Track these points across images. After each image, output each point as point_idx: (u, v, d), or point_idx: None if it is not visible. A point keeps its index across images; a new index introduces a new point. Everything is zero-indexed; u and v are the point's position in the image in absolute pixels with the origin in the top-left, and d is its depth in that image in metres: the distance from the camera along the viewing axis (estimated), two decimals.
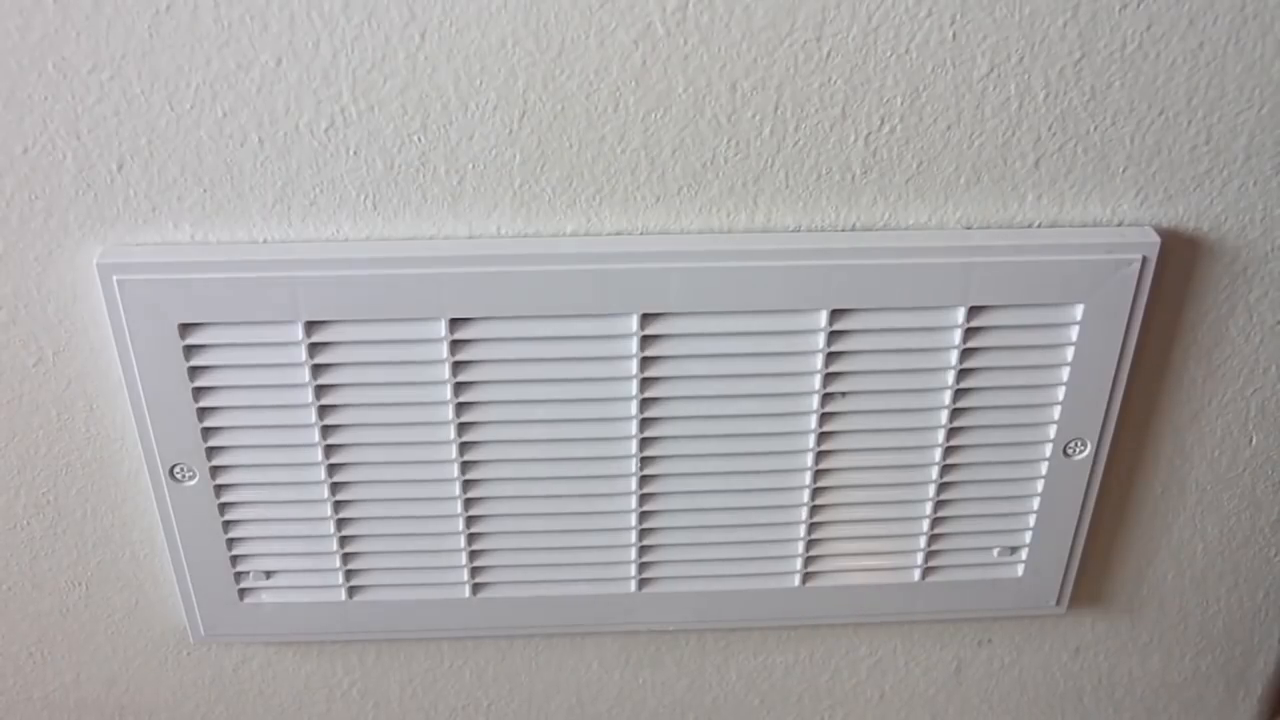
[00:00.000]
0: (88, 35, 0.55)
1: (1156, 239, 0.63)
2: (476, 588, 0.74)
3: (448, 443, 0.67)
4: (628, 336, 0.64)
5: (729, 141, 0.60)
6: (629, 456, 0.68)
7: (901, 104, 0.59)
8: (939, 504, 0.72)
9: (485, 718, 0.86)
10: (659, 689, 0.85)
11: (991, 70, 0.58)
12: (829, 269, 0.62)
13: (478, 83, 0.57)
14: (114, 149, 0.59)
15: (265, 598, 0.74)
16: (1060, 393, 0.67)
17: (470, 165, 0.60)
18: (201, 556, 0.71)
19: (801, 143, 0.60)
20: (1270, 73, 0.59)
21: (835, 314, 0.64)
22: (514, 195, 0.61)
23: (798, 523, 0.72)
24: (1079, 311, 0.64)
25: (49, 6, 0.54)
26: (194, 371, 0.64)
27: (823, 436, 0.68)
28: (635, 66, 0.57)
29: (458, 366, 0.64)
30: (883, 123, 0.60)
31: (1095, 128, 0.61)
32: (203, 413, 0.65)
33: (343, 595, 0.74)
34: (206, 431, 0.66)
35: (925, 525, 0.73)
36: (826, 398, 0.67)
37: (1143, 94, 0.60)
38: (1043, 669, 0.86)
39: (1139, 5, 0.57)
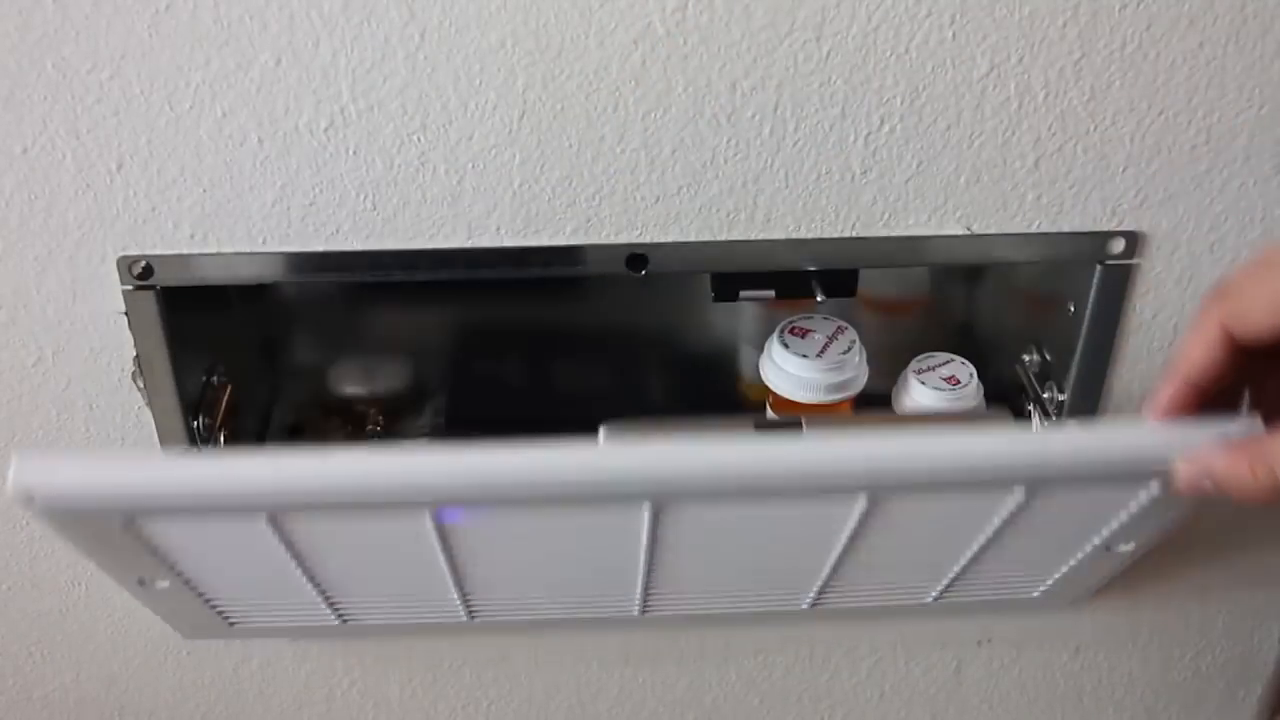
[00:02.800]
0: (87, 35, 0.55)
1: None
2: None
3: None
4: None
5: (729, 141, 0.60)
6: None
7: (901, 104, 0.59)
8: None
9: (485, 718, 0.86)
10: (659, 689, 0.85)
11: (991, 70, 0.58)
12: None
13: (478, 83, 0.57)
14: (114, 149, 0.58)
15: None
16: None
17: (470, 165, 0.60)
18: None
19: (801, 143, 0.60)
20: (1270, 73, 0.59)
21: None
22: (514, 195, 0.61)
23: None
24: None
25: (49, 6, 0.54)
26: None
27: None
28: (635, 66, 0.57)
29: None
30: (883, 123, 0.60)
31: (1095, 128, 0.61)
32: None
33: None
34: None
35: None
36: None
37: (1143, 94, 0.59)
38: (1043, 669, 0.86)
39: (1139, 5, 0.57)
